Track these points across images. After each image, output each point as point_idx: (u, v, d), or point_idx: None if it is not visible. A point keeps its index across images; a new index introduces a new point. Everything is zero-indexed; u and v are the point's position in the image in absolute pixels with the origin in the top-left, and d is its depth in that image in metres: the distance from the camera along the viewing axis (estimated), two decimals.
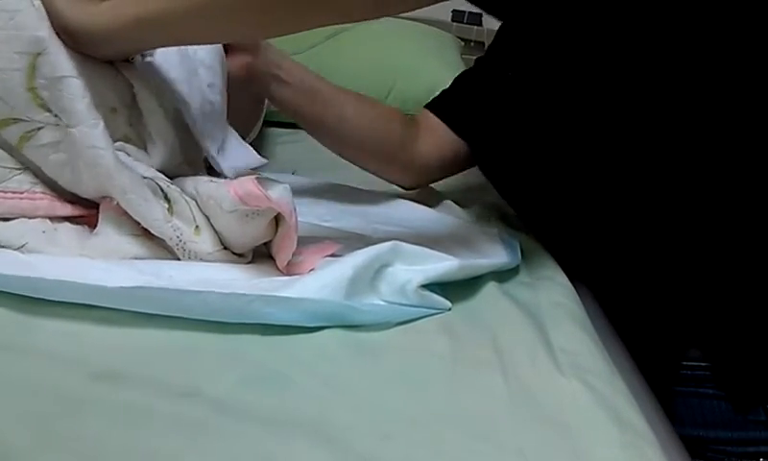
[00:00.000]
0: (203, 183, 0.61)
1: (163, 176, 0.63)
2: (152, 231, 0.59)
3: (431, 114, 0.88)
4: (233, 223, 0.59)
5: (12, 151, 0.61)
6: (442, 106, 0.89)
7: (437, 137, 0.86)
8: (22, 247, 0.57)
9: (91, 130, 0.57)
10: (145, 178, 0.60)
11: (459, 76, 0.92)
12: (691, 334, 0.74)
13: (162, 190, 0.60)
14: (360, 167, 0.88)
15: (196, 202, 0.61)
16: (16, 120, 0.59)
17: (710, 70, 0.68)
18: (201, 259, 0.60)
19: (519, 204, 0.88)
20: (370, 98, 0.87)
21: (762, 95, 0.68)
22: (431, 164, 0.87)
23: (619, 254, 0.77)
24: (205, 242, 0.60)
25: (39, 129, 0.59)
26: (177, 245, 0.59)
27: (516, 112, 0.79)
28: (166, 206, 0.59)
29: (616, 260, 0.77)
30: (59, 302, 0.51)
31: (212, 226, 0.60)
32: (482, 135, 0.83)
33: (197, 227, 0.60)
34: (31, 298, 0.51)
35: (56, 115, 0.59)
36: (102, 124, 0.58)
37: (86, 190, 0.61)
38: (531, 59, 0.79)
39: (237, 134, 0.79)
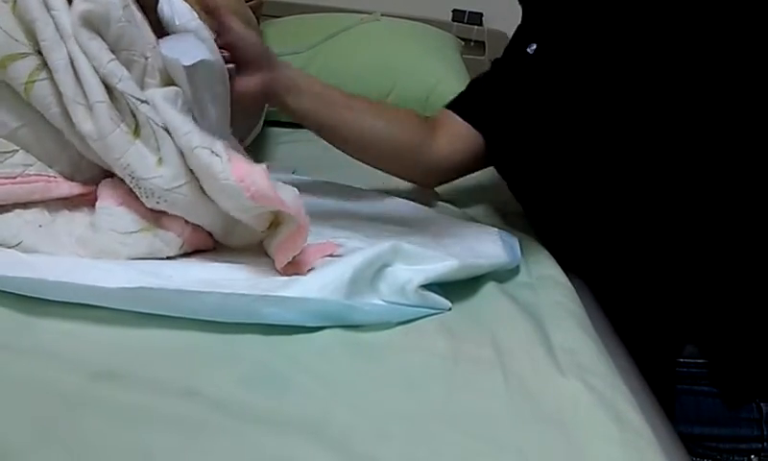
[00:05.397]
0: (200, 150, 0.58)
1: (143, 97, 0.60)
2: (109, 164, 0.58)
3: (449, 113, 0.90)
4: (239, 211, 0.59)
5: (16, 108, 0.60)
6: (458, 103, 0.91)
7: (454, 136, 0.88)
8: (17, 246, 0.57)
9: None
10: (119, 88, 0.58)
11: (474, 78, 0.94)
12: (688, 329, 0.74)
13: (132, 111, 0.59)
14: (380, 170, 0.90)
15: (171, 138, 0.59)
16: (24, 54, 0.59)
17: (716, 66, 0.69)
18: (158, 198, 0.58)
19: (528, 198, 0.88)
20: (383, 102, 0.90)
21: (763, 94, 0.69)
22: (449, 163, 0.89)
23: (621, 251, 0.77)
24: (164, 177, 0.58)
25: (42, 67, 0.59)
26: (131, 182, 0.58)
27: (532, 96, 0.80)
28: (133, 126, 0.58)
29: (618, 256, 0.78)
30: (59, 301, 0.51)
31: (185, 167, 0.59)
32: (496, 126, 0.85)
33: (160, 159, 0.59)
34: (31, 297, 0.51)
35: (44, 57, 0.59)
36: (68, 61, 0.58)
37: (81, 143, 0.61)
38: (552, 39, 0.80)
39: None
